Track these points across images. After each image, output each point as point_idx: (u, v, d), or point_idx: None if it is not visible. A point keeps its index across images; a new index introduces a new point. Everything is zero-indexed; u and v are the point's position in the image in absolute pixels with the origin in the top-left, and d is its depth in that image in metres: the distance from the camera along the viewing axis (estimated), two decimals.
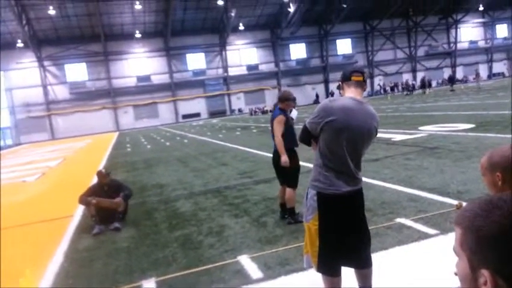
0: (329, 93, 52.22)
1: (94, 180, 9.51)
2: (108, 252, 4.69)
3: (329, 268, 2.64)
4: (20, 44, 40.05)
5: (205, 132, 24.53)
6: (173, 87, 48.04)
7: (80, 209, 6.79)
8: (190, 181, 8.69)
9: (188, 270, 3.88)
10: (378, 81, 55.62)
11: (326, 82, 53.80)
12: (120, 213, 5.70)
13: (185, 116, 48.50)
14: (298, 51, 53.34)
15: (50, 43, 42.55)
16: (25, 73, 42.80)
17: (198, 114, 49.30)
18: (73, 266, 4.40)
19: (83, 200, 5.75)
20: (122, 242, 4.99)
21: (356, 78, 2.65)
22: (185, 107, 48.96)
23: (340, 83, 2.74)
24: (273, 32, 50.67)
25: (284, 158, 4.64)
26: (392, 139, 10.88)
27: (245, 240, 4.49)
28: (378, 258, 3.32)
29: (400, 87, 48.56)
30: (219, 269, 3.81)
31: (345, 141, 2.51)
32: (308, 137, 2.71)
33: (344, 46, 54.47)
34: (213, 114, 49.15)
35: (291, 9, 45.09)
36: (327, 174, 2.56)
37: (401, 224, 4.39)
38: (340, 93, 2.79)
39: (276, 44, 51.00)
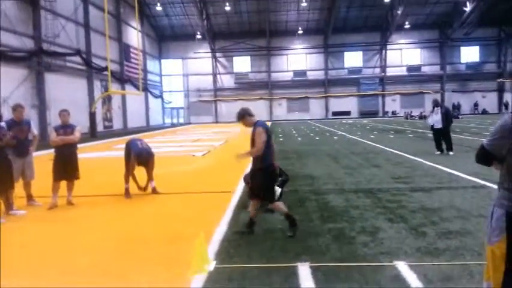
0: (502, 104, 45.67)
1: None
2: (264, 230, 5.05)
3: None
4: (198, 36, 45.71)
5: (355, 131, 24.06)
6: (327, 84, 48.36)
7: (240, 187, 7.46)
8: (340, 177, 8.68)
9: (342, 263, 3.91)
10: None
11: (500, 91, 46.96)
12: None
13: (335, 113, 48.44)
14: (470, 54, 47.75)
15: (222, 37, 47.40)
16: (200, 62, 48.78)
17: (348, 113, 48.66)
18: (234, 236, 4.87)
19: (246, 179, 6.28)
20: (277, 223, 5.30)
21: None
22: (336, 104, 48.84)
23: None
24: (442, 32, 46.37)
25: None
26: None
27: (402, 247, 4.29)
28: None
29: None
30: (374, 270, 3.73)
31: None
32: (488, 158, 2.46)
33: None
34: (363, 114, 47.86)
35: (468, 8, 40.43)
36: None
37: None
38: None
39: (444, 45, 46.60)
